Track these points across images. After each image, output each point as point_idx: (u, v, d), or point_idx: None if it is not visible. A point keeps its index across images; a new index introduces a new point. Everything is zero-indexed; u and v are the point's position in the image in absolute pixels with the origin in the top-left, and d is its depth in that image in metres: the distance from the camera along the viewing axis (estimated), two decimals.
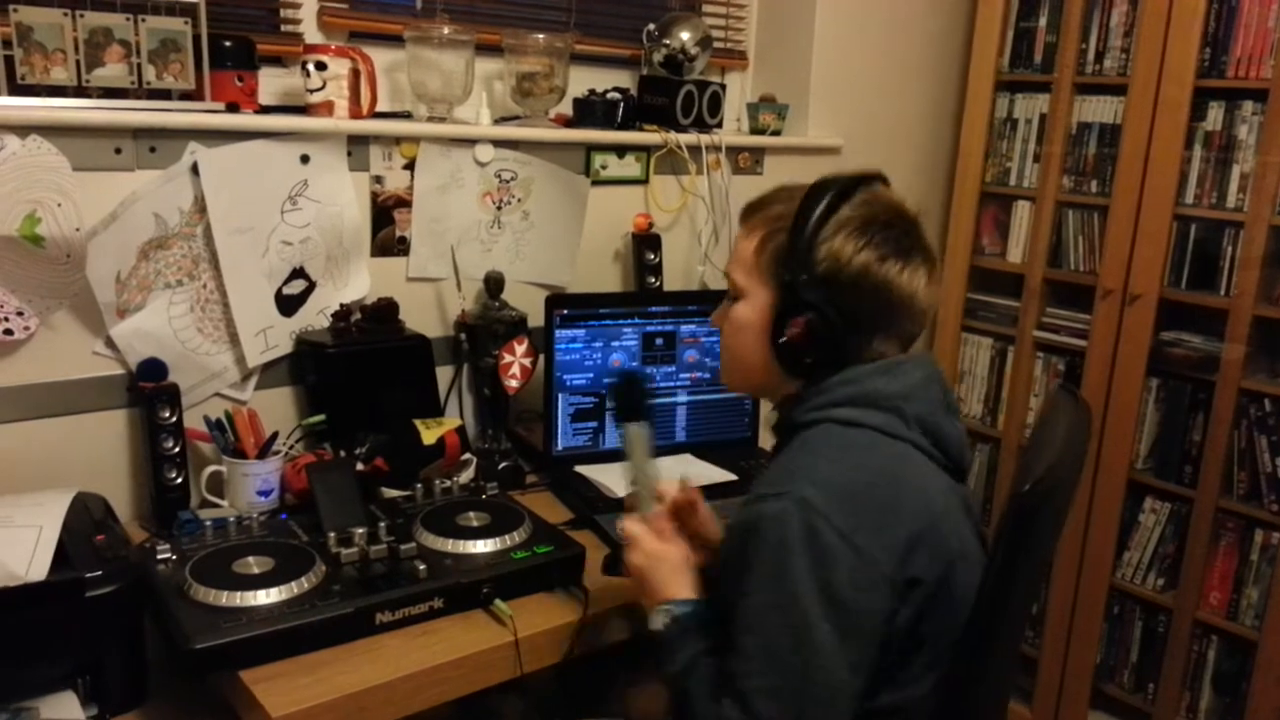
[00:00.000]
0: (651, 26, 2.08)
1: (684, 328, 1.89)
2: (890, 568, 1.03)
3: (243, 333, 1.61)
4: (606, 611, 1.35)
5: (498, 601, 1.31)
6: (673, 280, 2.14)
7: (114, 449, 1.55)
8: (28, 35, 1.36)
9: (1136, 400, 2.20)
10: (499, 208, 1.90)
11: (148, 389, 1.49)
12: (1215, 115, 2.09)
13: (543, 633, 1.29)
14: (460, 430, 1.69)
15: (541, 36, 1.87)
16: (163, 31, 1.44)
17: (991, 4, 2.37)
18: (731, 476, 1.76)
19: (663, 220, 2.12)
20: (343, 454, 1.56)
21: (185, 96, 1.50)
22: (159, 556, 1.30)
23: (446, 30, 1.74)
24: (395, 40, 1.77)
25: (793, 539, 1.02)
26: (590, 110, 1.99)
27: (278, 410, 1.69)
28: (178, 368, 1.55)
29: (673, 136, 2.05)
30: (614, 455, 1.81)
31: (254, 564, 1.30)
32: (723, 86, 2.12)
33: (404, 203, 1.79)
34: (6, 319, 1.40)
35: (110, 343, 1.51)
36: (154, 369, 1.51)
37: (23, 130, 1.36)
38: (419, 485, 1.56)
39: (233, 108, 1.54)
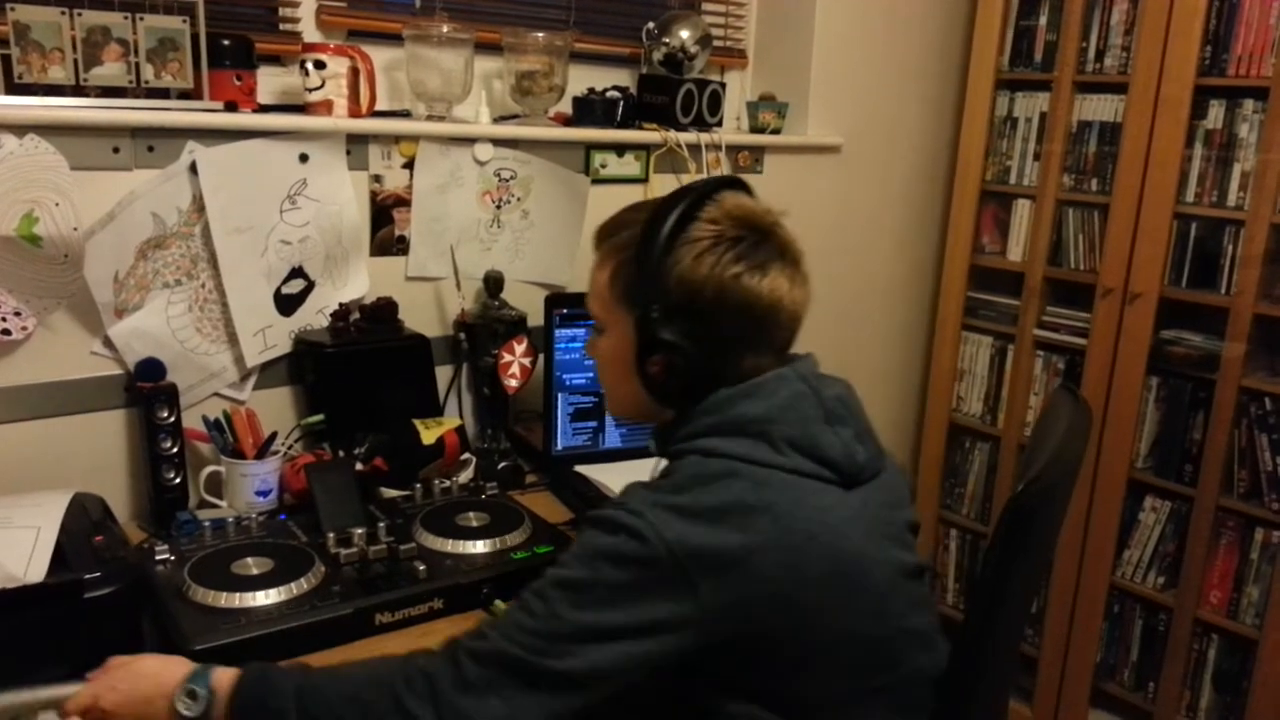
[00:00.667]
0: (651, 25, 2.08)
1: None
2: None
3: (241, 332, 1.61)
4: None
5: (498, 602, 1.31)
6: None
7: (112, 449, 1.54)
8: (25, 34, 1.35)
9: (1137, 399, 2.20)
10: (498, 207, 1.90)
11: (146, 389, 1.48)
12: (1216, 113, 2.09)
13: None
14: (460, 430, 1.69)
15: (541, 35, 1.86)
16: (161, 30, 1.44)
17: (992, 2, 2.37)
18: None
19: None
20: (342, 454, 1.56)
21: (183, 95, 1.49)
22: (158, 557, 1.31)
23: (445, 29, 1.74)
24: (394, 39, 1.77)
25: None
26: (590, 109, 1.99)
27: (276, 410, 1.68)
28: (176, 367, 1.55)
29: (672, 135, 2.05)
30: (613, 455, 1.82)
31: (253, 565, 1.30)
32: (722, 85, 2.12)
33: (403, 202, 1.78)
34: (4, 319, 1.40)
35: (108, 343, 1.51)
36: (152, 369, 1.51)
37: (20, 129, 1.36)
38: (418, 485, 1.56)
39: (231, 107, 1.54)
